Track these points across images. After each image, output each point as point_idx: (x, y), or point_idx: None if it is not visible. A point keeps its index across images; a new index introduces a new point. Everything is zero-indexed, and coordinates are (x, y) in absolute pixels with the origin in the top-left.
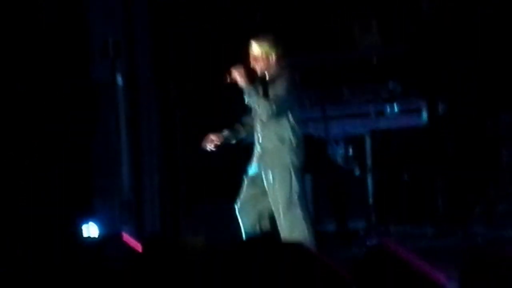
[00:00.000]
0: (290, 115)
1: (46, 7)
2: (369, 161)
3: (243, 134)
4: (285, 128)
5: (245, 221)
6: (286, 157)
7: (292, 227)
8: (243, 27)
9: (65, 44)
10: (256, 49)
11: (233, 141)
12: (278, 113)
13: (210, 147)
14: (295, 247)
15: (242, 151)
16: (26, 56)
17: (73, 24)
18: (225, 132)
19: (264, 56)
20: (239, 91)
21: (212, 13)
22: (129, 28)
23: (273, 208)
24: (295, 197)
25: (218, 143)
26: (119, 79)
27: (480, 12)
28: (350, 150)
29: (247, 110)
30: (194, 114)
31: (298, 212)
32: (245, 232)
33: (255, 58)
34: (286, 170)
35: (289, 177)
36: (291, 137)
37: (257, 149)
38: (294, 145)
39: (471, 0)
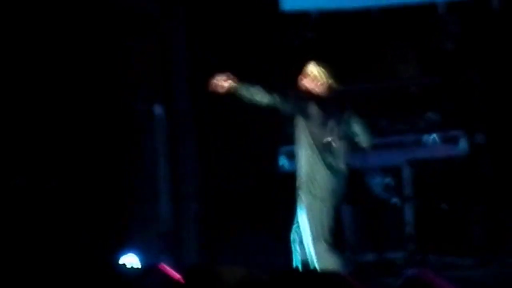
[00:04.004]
0: None
1: (91, 40)
2: (407, 191)
3: (256, 95)
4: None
5: (297, 251)
6: (325, 187)
7: (320, 259)
8: (280, 57)
9: (107, 75)
10: (312, 69)
11: (241, 94)
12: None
13: (218, 84)
14: (334, 277)
15: (280, 180)
16: (68, 86)
17: (115, 57)
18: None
19: (317, 78)
20: (276, 117)
21: (249, 42)
22: (167, 59)
23: (303, 238)
24: (323, 229)
25: (226, 84)
26: (158, 109)
27: None
28: (389, 180)
29: (285, 136)
30: (232, 143)
31: (324, 245)
32: (298, 262)
33: (308, 78)
34: (317, 201)
35: (320, 209)
36: (342, 166)
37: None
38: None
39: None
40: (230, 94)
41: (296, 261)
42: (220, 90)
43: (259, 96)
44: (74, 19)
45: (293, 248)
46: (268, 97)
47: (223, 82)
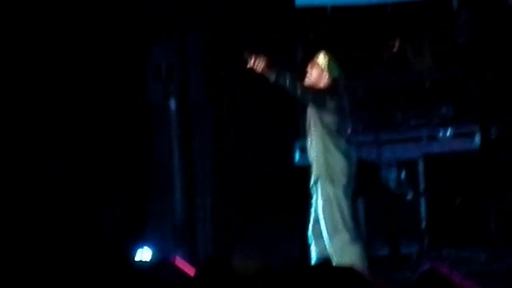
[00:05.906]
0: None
1: (105, 34)
2: (421, 185)
3: (284, 80)
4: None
5: (315, 245)
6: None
7: (341, 250)
8: (294, 48)
9: (123, 69)
10: (321, 59)
11: (272, 78)
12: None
13: (252, 62)
14: (347, 271)
15: (296, 172)
16: (82, 82)
17: (131, 51)
18: (275, 70)
19: (322, 69)
20: (290, 111)
21: (263, 33)
22: (181, 52)
23: (323, 231)
24: (343, 219)
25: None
26: (172, 103)
27: None
28: (403, 174)
29: (299, 130)
30: (247, 136)
31: (346, 235)
32: (315, 256)
33: (313, 67)
34: (338, 189)
35: (341, 197)
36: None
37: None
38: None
39: None
40: (262, 76)
41: (314, 256)
42: (257, 70)
43: (286, 83)
44: (95, 17)
45: (311, 243)
46: (292, 85)
47: (261, 64)
